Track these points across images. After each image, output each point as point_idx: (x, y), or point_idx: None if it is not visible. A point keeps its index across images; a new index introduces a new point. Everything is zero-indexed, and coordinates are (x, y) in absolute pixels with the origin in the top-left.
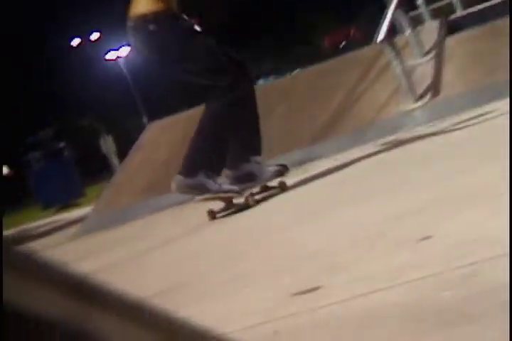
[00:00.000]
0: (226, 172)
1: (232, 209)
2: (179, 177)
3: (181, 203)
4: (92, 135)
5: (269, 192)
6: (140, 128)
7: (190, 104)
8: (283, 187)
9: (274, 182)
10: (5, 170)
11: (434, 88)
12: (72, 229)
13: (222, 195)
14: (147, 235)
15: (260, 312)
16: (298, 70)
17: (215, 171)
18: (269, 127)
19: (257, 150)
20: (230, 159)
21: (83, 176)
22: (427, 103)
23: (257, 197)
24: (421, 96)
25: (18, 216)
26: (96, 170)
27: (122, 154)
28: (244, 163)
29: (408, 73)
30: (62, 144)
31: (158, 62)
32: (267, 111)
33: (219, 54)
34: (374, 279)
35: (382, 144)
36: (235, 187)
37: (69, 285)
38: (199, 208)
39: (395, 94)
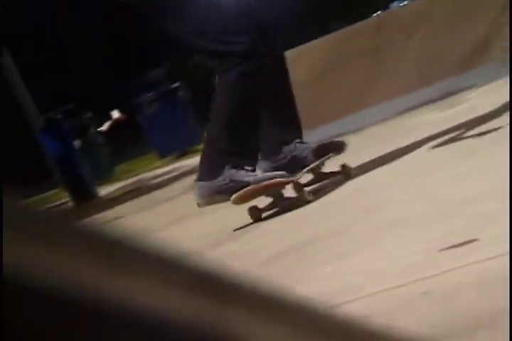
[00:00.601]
0: (261, 164)
1: (281, 205)
2: (200, 184)
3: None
4: (208, 73)
5: (328, 181)
6: None
7: (321, 32)
8: (347, 173)
9: (331, 167)
10: (116, 114)
11: None
12: (192, 179)
13: (267, 182)
14: None
15: (406, 270)
16: None
17: (247, 158)
18: (408, 55)
19: (297, 130)
20: (264, 146)
21: (202, 119)
22: None
23: (309, 188)
24: None
25: (133, 165)
26: None
27: None
28: (284, 146)
29: None
30: (176, 84)
31: (152, 18)
32: (405, 37)
33: (234, 9)
34: None
35: None
36: (282, 172)
37: (192, 279)
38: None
39: None
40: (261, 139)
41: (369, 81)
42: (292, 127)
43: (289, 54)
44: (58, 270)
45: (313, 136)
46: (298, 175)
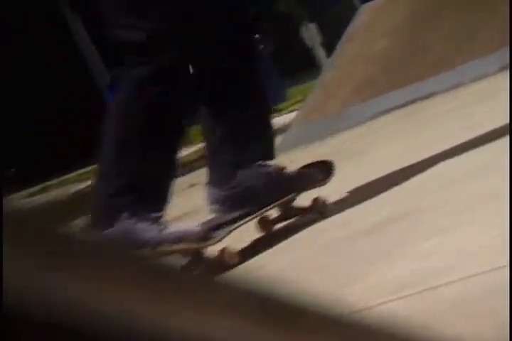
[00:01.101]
0: (210, 191)
1: (201, 265)
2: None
3: (405, 105)
4: (291, 23)
5: (298, 220)
6: (351, 12)
7: None
8: (321, 210)
9: (303, 201)
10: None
11: None
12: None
13: (166, 250)
14: (360, 151)
15: (484, 256)
16: None
17: (151, 201)
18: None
19: (261, 149)
20: (211, 169)
21: (283, 75)
22: None
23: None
24: None
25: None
26: (299, 67)
27: (330, 46)
28: (241, 170)
29: None
30: (255, 36)
31: None
32: None
33: None
34: None
35: None
36: (195, 228)
37: (253, 306)
38: (425, 111)
39: None
40: (210, 160)
41: (465, 34)
42: (255, 144)
43: (374, 3)
44: (77, 296)
45: (399, 98)
46: (214, 239)
